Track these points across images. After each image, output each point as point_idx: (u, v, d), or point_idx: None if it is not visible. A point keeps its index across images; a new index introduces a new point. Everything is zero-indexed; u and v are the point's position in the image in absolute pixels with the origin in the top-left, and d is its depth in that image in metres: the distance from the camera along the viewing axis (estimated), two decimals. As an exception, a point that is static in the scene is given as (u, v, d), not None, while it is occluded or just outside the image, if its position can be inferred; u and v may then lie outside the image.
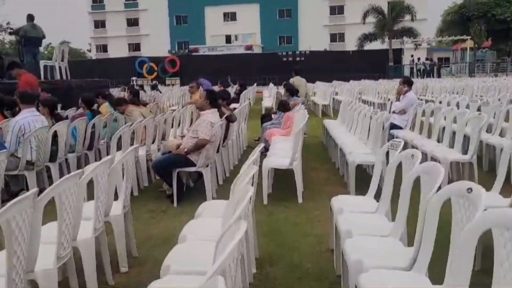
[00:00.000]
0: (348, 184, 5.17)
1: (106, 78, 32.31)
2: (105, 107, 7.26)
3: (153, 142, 6.27)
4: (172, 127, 7.46)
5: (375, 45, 36.13)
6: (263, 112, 14.15)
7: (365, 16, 33.99)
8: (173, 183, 4.79)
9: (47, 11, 69.92)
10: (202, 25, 54.68)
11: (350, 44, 43.62)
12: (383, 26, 33.22)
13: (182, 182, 5.00)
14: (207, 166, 4.92)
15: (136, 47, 57.71)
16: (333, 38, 53.08)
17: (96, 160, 5.85)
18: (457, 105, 8.42)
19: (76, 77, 15.17)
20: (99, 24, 58.98)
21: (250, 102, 19.22)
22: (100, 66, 38.43)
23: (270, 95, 18.55)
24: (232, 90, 17.94)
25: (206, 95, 4.99)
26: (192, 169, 4.84)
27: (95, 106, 7.63)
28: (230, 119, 6.08)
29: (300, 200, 4.90)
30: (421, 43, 36.48)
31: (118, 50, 53.78)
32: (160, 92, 14.44)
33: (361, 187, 4.40)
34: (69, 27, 77.46)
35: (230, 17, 55.29)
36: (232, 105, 15.26)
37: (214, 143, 4.92)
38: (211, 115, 4.89)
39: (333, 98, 14.90)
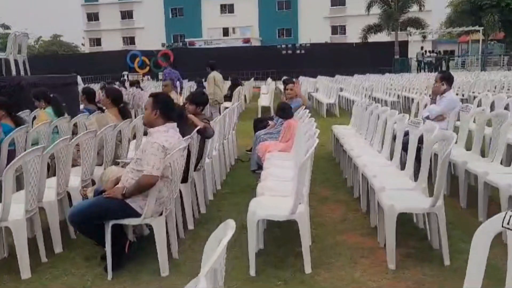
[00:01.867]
0: (382, 237, 3.38)
1: (97, 73, 30.91)
2: (44, 114, 5.45)
3: (102, 164, 4.47)
4: (134, 138, 5.65)
5: (379, 37, 34.21)
6: (259, 113, 12.32)
7: (369, 6, 32.02)
8: (106, 244, 2.99)
9: (38, 3, 67.78)
10: (198, 18, 52.76)
11: (352, 37, 41.74)
12: (388, 17, 31.25)
13: (122, 238, 3.20)
14: (160, 214, 3.11)
15: (130, 40, 55.84)
16: (334, 30, 51.16)
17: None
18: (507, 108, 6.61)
19: (64, 72, 13.42)
20: (92, 17, 57.02)
21: (246, 99, 17.43)
22: (91, 60, 36.55)
23: (268, 91, 16.70)
24: (225, 86, 16.12)
25: (153, 103, 3.15)
26: (135, 221, 3.03)
27: (36, 112, 5.84)
28: (203, 134, 4.28)
29: (307, 269, 3.09)
30: (428, 35, 34.56)
31: (112, 43, 51.84)
32: (142, 89, 12.59)
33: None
34: (61, 20, 75.18)
35: (227, 9, 53.35)
36: (224, 104, 13.48)
37: (171, 178, 3.10)
38: (163, 135, 3.06)
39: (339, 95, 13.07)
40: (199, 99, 4.60)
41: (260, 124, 6.96)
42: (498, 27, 28.71)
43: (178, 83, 12.35)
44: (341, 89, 14.65)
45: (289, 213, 3.00)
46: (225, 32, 51.61)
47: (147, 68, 34.02)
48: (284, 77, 17.43)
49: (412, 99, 12.49)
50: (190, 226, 4.00)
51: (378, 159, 4.72)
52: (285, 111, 5.57)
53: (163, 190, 3.05)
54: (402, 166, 4.41)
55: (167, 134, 3.07)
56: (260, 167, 5.68)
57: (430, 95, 6.69)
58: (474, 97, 11.66)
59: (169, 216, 3.30)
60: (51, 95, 5.84)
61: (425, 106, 6.84)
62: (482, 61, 28.11)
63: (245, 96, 16.51)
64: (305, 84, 17.19)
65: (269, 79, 22.89)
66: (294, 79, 9.47)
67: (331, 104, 12.67)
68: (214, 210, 4.54)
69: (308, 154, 2.94)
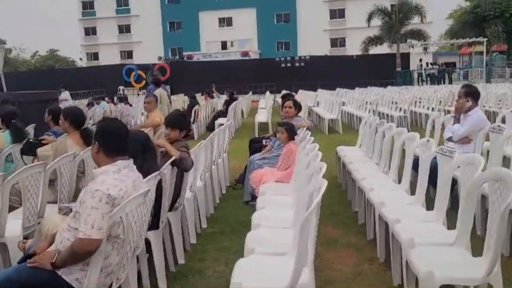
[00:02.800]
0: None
1: (94, 87, 30.17)
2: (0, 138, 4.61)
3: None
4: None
5: (380, 50, 33.58)
6: (256, 130, 11.48)
7: (370, 18, 31.40)
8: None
9: (35, 18, 67.53)
10: (196, 31, 52.34)
11: (352, 49, 41.18)
12: (390, 28, 30.60)
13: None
14: (110, 287, 2.24)
15: (128, 54, 55.38)
16: (334, 43, 50.70)
17: None
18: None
19: (51, 88, 12.65)
20: (90, 31, 56.60)
21: (243, 114, 16.64)
22: (87, 75, 35.96)
23: (266, 106, 15.90)
24: (219, 101, 15.34)
25: (96, 140, 2.28)
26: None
27: None
28: (180, 166, 3.44)
29: None
30: (430, 47, 33.91)
31: (109, 58, 51.26)
32: (130, 105, 11.78)
33: None
34: (58, 34, 74.68)
35: (225, 22, 52.96)
36: (219, 120, 12.68)
37: (123, 238, 2.23)
38: (112, 178, 2.20)
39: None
40: (176, 122, 3.76)
41: (256, 144, 6.11)
42: (502, 38, 28.04)
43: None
44: (343, 103, 13.86)
45: (287, 286, 2.13)
46: (224, 45, 51.16)
47: (143, 82, 33.31)
48: (284, 92, 16.68)
49: (425, 115, 11.68)
50: (162, 285, 3.12)
51: (396, 193, 3.87)
52: (289, 132, 4.69)
53: (111, 255, 2.19)
54: (427, 203, 3.56)
55: (116, 177, 2.22)
56: (254, 197, 4.85)
57: (447, 111, 5.85)
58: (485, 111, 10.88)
59: (125, 284, 2.43)
60: (12, 120, 4.97)
61: (442, 124, 6.02)
62: (487, 73, 27.36)
63: (242, 111, 15.72)
64: (305, 98, 16.38)
65: (268, 93, 22.15)
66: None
67: (333, 119, 11.85)
68: (195, 259, 3.66)
69: (313, 206, 2.08)
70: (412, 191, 3.83)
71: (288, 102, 5.44)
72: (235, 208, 5.03)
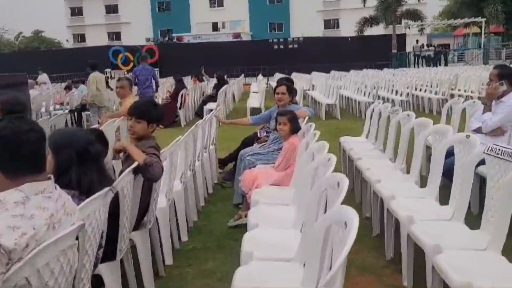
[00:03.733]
0: None
1: (79, 70, 28.96)
2: None
3: None
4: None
5: (375, 31, 32.62)
6: (248, 115, 10.61)
7: (365, -3, 30.32)
8: None
9: (20, -2, 65.28)
10: (186, 12, 50.84)
11: (345, 31, 40.18)
12: (386, 8, 29.58)
13: None
14: None
15: (116, 36, 53.80)
16: (327, 24, 49.59)
17: None
18: None
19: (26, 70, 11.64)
20: (76, 12, 54.80)
21: (234, 98, 15.75)
22: (73, 56, 34.60)
23: (258, 89, 15.01)
24: (209, 85, 14.41)
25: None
26: None
27: None
28: (145, 175, 2.60)
29: None
30: (426, 28, 32.99)
31: (97, 39, 49.67)
32: (111, 89, 10.83)
33: None
34: (43, 15, 72.14)
35: (216, 3, 51.49)
36: (208, 105, 11.79)
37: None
38: (8, 214, 1.36)
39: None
40: (143, 112, 2.90)
41: (249, 141, 5.27)
42: (501, 18, 27.19)
43: (154, 82, 10.58)
44: (340, 87, 13.02)
45: None
46: (215, 26, 49.80)
47: (131, 64, 32.13)
48: (280, 76, 15.74)
49: (428, 99, 10.92)
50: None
51: (427, 203, 3.08)
52: (292, 124, 3.82)
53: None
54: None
55: (18, 212, 1.37)
56: (243, 197, 4.06)
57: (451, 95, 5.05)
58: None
59: None
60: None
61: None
62: (484, 55, 26.57)
63: (233, 95, 14.83)
64: (299, 81, 15.48)
65: (260, 76, 21.24)
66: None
67: (331, 104, 11.02)
68: (169, 291, 2.86)
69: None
70: (445, 201, 3.05)
71: (280, 87, 4.44)
72: (223, 214, 4.22)
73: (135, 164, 2.46)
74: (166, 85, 14.12)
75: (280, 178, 3.58)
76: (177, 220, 3.58)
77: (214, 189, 5.10)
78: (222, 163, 5.78)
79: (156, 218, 3.07)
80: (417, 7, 31.10)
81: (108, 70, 31.30)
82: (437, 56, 28.08)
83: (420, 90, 11.77)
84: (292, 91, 4.41)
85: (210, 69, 19.04)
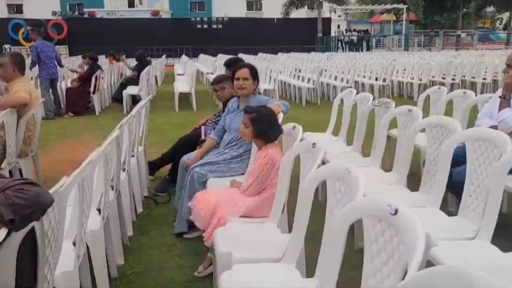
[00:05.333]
0: None
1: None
2: None
3: None
4: None
5: (300, 14, 32.16)
6: (176, 103, 9.22)
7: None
8: None
9: None
10: (99, -15, 46.75)
11: (268, 13, 39.34)
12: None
13: None
14: None
15: (17, 8, 48.24)
16: (250, 6, 48.57)
17: None
18: None
19: None
20: (-33, -21, 48.08)
21: (157, 81, 14.12)
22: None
23: (184, 71, 13.54)
24: (123, 67, 12.62)
25: None
26: None
27: None
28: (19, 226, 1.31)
29: None
30: (350, 12, 33.22)
31: (-7, 11, 44.04)
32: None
33: None
34: None
35: (132, -23, 47.95)
36: (129, 89, 10.15)
37: None
38: None
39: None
40: None
41: (188, 141, 4.03)
42: (421, 5, 28.00)
43: (55, 61, 8.78)
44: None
45: None
46: (131, 2, 46.41)
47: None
48: (207, 57, 14.42)
49: (408, 84, 10.46)
50: None
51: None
52: (257, 124, 2.63)
53: None
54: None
55: None
56: (192, 226, 2.90)
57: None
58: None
59: None
60: None
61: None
62: (406, 41, 27.22)
63: (156, 77, 13.21)
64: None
65: (184, 57, 19.65)
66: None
67: (269, 90, 9.99)
68: None
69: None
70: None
71: (242, 71, 3.18)
72: (160, 250, 2.97)
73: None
74: (75, 65, 12.13)
75: (252, 206, 2.42)
76: (92, 272, 2.29)
77: (145, 206, 3.80)
78: (153, 167, 4.50)
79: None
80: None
81: (7, 46, 27.59)
82: (359, 42, 28.32)
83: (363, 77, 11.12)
84: (256, 76, 3.23)
85: (127, 48, 17.07)
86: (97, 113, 8.92)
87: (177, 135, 6.71)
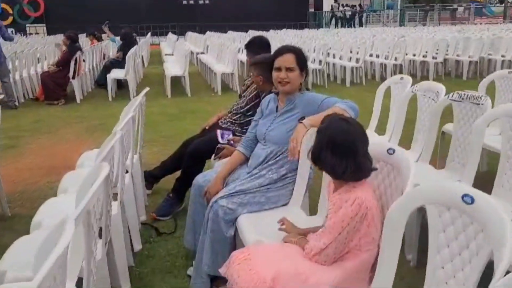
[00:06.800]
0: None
1: None
2: None
3: None
4: None
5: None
6: (168, 88, 8.16)
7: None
8: None
9: None
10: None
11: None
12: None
13: None
14: None
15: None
16: (236, -20, 46.68)
17: None
18: None
19: None
20: None
21: (143, 62, 12.96)
22: None
23: (173, 51, 12.39)
24: (109, 46, 11.45)
25: None
26: None
27: None
28: None
29: None
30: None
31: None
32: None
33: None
34: None
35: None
36: (114, 73, 9.04)
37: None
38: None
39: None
40: None
41: (200, 143, 3.08)
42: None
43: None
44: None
45: None
46: (112, -22, 44.27)
47: (10, 19, 26.88)
48: (195, 35, 13.57)
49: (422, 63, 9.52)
50: None
51: None
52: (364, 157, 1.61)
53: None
54: None
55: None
56: (215, 278, 1.98)
57: None
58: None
59: None
60: None
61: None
62: (401, 16, 26.16)
63: (142, 58, 12.06)
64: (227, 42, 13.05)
65: (171, 34, 18.42)
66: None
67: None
68: None
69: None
70: None
71: (286, 57, 2.20)
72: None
73: None
74: (51, 45, 10.89)
75: (333, 283, 1.49)
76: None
77: (145, 239, 2.86)
78: (150, 179, 3.54)
79: None
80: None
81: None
82: (352, 17, 27.19)
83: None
84: (305, 65, 2.24)
85: (111, 26, 15.74)
86: (78, 101, 7.86)
87: (173, 129, 5.77)
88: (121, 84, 8.68)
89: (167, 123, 6.08)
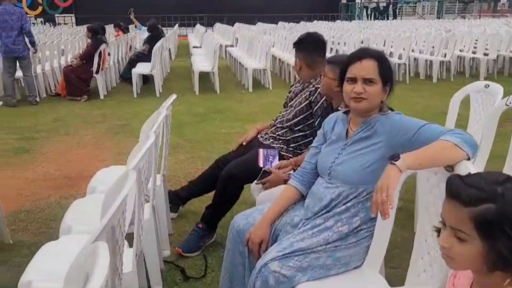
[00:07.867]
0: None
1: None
2: None
3: None
4: None
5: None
6: (196, 83, 7.62)
7: None
8: None
9: None
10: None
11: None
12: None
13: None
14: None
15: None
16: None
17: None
18: None
19: None
20: None
21: (170, 55, 12.48)
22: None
23: (201, 44, 11.85)
24: (136, 38, 11.01)
25: None
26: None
27: None
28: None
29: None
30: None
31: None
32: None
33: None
34: None
35: None
36: (139, 67, 8.56)
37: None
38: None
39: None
40: None
41: (236, 162, 2.51)
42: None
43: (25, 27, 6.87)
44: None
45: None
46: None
47: (40, 8, 27.00)
48: (222, 26, 13.12)
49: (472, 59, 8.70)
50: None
51: None
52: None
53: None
54: None
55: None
56: None
57: None
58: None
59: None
60: None
61: None
62: (440, 8, 24.87)
63: (169, 51, 11.57)
64: (259, 36, 12.33)
65: (199, 26, 17.95)
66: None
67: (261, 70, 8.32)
68: None
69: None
70: None
71: (365, 63, 1.60)
72: None
73: None
74: (80, 37, 10.53)
75: None
76: None
77: (166, 283, 2.31)
78: (176, 200, 2.99)
79: None
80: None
81: None
82: (386, 9, 26.05)
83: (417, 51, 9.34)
84: (390, 77, 1.62)
85: (139, 17, 15.29)
86: (102, 97, 7.42)
87: (200, 132, 5.20)
88: (147, 79, 8.20)
89: (194, 124, 5.54)
